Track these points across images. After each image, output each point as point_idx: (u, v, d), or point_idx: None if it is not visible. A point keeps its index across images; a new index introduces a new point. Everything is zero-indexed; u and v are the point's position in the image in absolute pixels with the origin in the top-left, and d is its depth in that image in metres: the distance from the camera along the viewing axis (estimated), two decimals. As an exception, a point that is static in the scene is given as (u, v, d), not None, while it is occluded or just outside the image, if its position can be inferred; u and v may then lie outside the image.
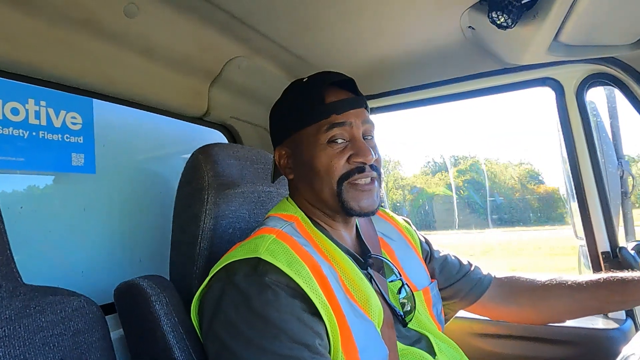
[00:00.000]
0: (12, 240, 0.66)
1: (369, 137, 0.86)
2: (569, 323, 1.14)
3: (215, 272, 0.74)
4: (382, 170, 0.86)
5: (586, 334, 1.14)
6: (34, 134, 0.98)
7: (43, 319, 0.66)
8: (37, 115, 0.99)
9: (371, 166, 0.82)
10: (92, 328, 0.72)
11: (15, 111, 0.94)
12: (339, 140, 0.81)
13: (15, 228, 0.71)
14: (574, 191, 1.26)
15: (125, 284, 0.82)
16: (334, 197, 0.81)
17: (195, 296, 0.77)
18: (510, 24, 0.88)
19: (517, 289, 1.03)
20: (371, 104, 1.55)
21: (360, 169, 0.81)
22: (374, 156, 0.81)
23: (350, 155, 0.81)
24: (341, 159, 0.81)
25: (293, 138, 0.86)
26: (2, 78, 0.89)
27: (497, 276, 1.06)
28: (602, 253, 1.22)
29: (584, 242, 1.27)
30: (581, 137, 1.23)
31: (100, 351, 0.72)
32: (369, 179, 0.82)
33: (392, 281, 0.86)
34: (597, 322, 1.17)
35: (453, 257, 1.08)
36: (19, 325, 0.63)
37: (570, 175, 1.27)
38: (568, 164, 1.26)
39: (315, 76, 0.87)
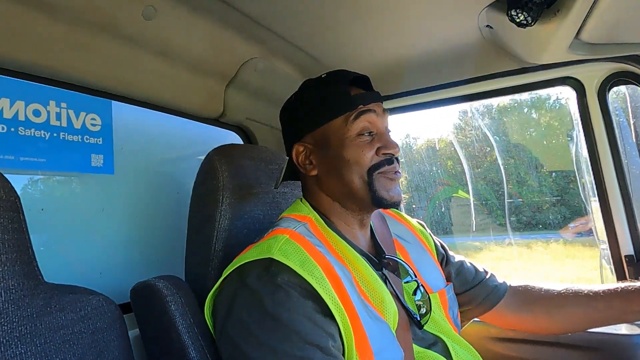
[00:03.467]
0: (34, 239, 0.67)
1: (389, 132, 0.87)
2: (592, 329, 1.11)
3: (228, 273, 0.74)
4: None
5: (608, 340, 1.11)
6: (54, 135, 1.00)
7: (63, 317, 0.67)
8: (58, 116, 1.00)
9: (396, 158, 0.84)
10: (111, 327, 0.73)
11: (37, 113, 0.96)
12: (366, 134, 0.83)
13: (36, 228, 0.72)
14: (596, 193, 1.23)
15: (141, 284, 0.83)
16: (365, 187, 0.82)
17: (208, 297, 0.77)
18: (530, 22, 0.87)
19: (532, 298, 1.01)
20: (387, 104, 1.54)
21: (390, 161, 0.83)
22: (399, 149, 0.84)
23: (379, 148, 0.82)
24: (371, 150, 0.82)
25: (317, 132, 0.86)
26: (25, 80, 0.91)
27: (512, 284, 1.05)
28: (626, 256, 1.19)
29: (605, 246, 1.24)
30: (603, 137, 1.20)
31: (118, 350, 0.73)
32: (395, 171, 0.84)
33: (407, 282, 0.85)
34: (620, 328, 1.14)
35: (469, 264, 1.06)
36: (40, 323, 0.64)
37: (592, 177, 1.24)
38: (590, 165, 1.23)
39: (334, 73, 0.88)
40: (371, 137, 0.83)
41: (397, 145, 0.83)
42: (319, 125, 0.85)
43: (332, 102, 0.84)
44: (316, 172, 0.87)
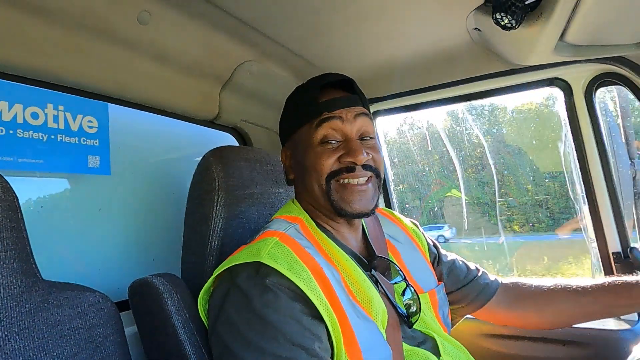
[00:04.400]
0: (32, 238, 0.69)
1: (367, 138, 0.85)
2: (581, 324, 1.13)
3: (218, 273, 0.76)
4: (380, 170, 0.86)
5: (597, 335, 1.13)
6: (52, 137, 1.01)
7: (60, 313, 0.69)
8: (56, 119, 1.02)
9: (365, 166, 0.82)
10: (107, 323, 0.75)
11: (35, 115, 0.98)
12: (332, 141, 0.82)
13: (35, 227, 0.74)
14: (584, 192, 1.25)
15: (138, 282, 0.85)
16: (323, 196, 0.82)
17: (201, 294, 0.79)
18: (514, 25, 0.89)
19: (522, 295, 1.03)
20: (378, 106, 1.56)
21: (350, 169, 0.81)
22: (365, 156, 0.81)
23: (341, 155, 0.81)
24: (331, 157, 0.81)
25: (292, 139, 0.89)
26: (23, 84, 0.92)
27: (503, 282, 1.06)
28: (613, 253, 1.21)
29: (595, 245, 1.26)
30: (590, 137, 1.22)
31: (114, 345, 0.75)
32: (362, 179, 0.82)
33: (396, 282, 0.86)
34: (608, 323, 1.16)
35: (461, 262, 1.08)
36: (37, 319, 0.65)
37: (580, 176, 1.26)
38: (577, 164, 1.26)
39: (314, 78, 0.89)
40: (336, 144, 0.82)
41: (362, 152, 0.80)
42: (291, 132, 0.88)
43: (301, 109, 0.86)
44: (293, 177, 0.91)
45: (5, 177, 0.66)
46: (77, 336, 0.69)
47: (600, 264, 1.23)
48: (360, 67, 1.34)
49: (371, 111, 1.57)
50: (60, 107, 1.03)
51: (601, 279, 0.98)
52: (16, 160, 0.94)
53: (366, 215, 0.84)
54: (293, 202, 0.92)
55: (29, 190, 1.01)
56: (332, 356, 0.70)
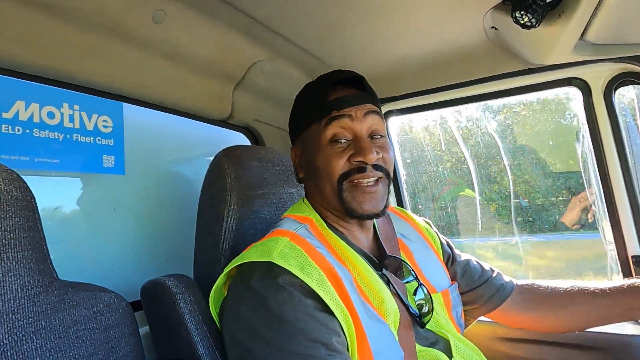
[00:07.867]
0: (48, 238, 0.69)
1: (377, 137, 0.84)
2: (597, 328, 1.11)
3: (229, 271, 0.76)
4: (390, 171, 0.84)
5: (615, 340, 1.11)
6: (68, 136, 1.02)
7: (76, 313, 0.69)
8: (71, 118, 1.03)
9: (376, 166, 0.80)
10: (122, 323, 0.75)
11: (51, 115, 0.99)
12: (342, 140, 0.81)
13: (50, 227, 0.74)
14: (603, 194, 1.23)
15: (151, 282, 0.85)
16: (335, 196, 0.81)
17: (212, 294, 0.79)
18: (534, 24, 0.87)
19: (538, 296, 1.01)
20: (393, 106, 1.54)
21: (361, 169, 0.79)
22: (376, 155, 0.79)
23: (351, 155, 0.80)
24: (341, 158, 0.80)
25: (301, 137, 0.88)
26: (39, 83, 0.93)
27: (518, 283, 1.05)
28: (633, 257, 1.19)
29: (612, 247, 1.24)
30: (609, 138, 1.20)
31: (129, 346, 0.75)
32: (372, 180, 0.80)
33: (408, 282, 0.85)
34: (626, 328, 1.14)
35: (475, 262, 1.06)
36: (54, 319, 0.66)
37: (599, 178, 1.24)
38: (596, 166, 1.23)
39: (324, 76, 0.87)
40: (346, 143, 0.81)
41: (372, 151, 0.78)
42: (301, 131, 0.87)
43: (310, 107, 0.84)
44: (302, 176, 0.89)
45: (22, 177, 0.67)
46: (93, 337, 0.70)
47: (619, 267, 1.21)
48: (374, 66, 1.32)
49: (384, 111, 1.56)
50: (76, 107, 1.04)
51: (620, 281, 0.96)
52: (33, 159, 0.95)
53: (376, 216, 0.83)
54: (303, 201, 0.91)
55: (46, 190, 1.02)
56: None
